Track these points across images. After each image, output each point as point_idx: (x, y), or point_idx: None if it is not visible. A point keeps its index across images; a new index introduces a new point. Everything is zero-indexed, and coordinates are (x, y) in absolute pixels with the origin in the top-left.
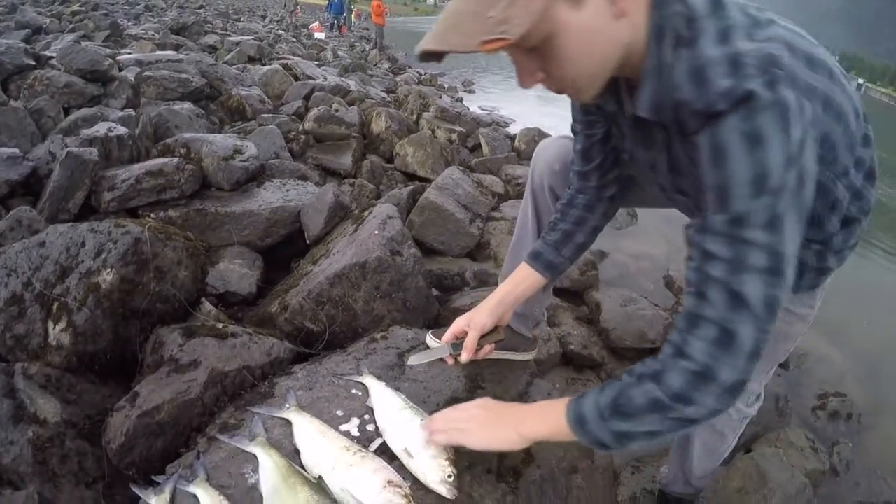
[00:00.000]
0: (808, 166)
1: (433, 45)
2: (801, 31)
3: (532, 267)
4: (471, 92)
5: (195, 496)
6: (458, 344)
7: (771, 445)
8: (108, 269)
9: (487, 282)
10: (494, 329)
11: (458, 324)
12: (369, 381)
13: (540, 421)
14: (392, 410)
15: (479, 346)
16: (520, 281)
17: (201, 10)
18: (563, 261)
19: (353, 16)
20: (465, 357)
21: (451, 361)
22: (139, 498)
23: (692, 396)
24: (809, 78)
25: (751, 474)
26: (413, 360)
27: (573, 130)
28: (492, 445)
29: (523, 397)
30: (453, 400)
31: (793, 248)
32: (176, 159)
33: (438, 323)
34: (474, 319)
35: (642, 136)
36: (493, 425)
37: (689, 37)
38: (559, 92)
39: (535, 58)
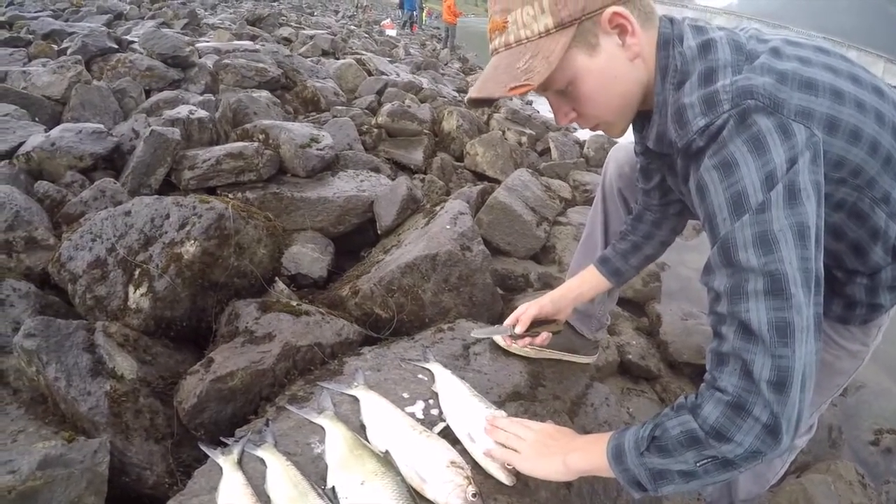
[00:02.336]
0: (802, 183)
1: (475, 93)
2: (825, 58)
3: (599, 271)
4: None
5: (262, 460)
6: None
7: (820, 475)
8: (192, 241)
9: (551, 284)
10: (554, 320)
11: (521, 309)
12: (436, 367)
13: (586, 454)
14: (457, 397)
15: (536, 332)
16: (585, 281)
17: (276, 3)
18: (630, 269)
19: (424, 14)
20: (520, 328)
21: (508, 343)
22: (205, 457)
23: (728, 431)
24: (806, 102)
25: (797, 500)
26: (476, 332)
27: (635, 151)
28: (538, 474)
29: (582, 399)
30: (515, 394)
31: (797, 267)
32: (255, 144)
33: (502, 320)
34: (535, 301)
35: (667, 162)
36: (545, 456)
37: (679, 79)
38: (592, 129)
39: (566, 100)
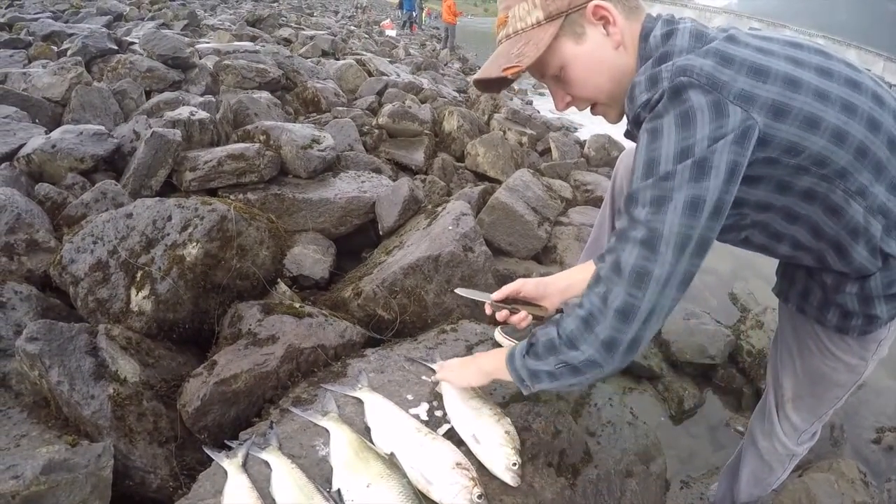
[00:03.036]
0: (715, 161)
1: (477, 75)
2: (792, 51)
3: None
4: (541, 94)
5: (267, 463)
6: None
7: (823, 473)
8: (194, 243)
9: None
10: (540, 306)
11: (511, 285)
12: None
13: (492, 359)
14: (461, 398)
15: (517, 309)
16: (580, 272)
17: (276, 4)
18: None
19: (423, 14)
20: (497, 294)
21: (489, 311)
22: (209, 460)
23: (576, 341)
24: (750, 87)
25: (800, 498)
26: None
27: None
28: (464, 382)
29: (585, 399)
30: (519, 394)
31: (676, 231)
32: (256, 145)
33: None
34: (523, 279)
35: None
36: (465, 368)
37: (642, 65)
38: (593, 112)
39: (562, 85)
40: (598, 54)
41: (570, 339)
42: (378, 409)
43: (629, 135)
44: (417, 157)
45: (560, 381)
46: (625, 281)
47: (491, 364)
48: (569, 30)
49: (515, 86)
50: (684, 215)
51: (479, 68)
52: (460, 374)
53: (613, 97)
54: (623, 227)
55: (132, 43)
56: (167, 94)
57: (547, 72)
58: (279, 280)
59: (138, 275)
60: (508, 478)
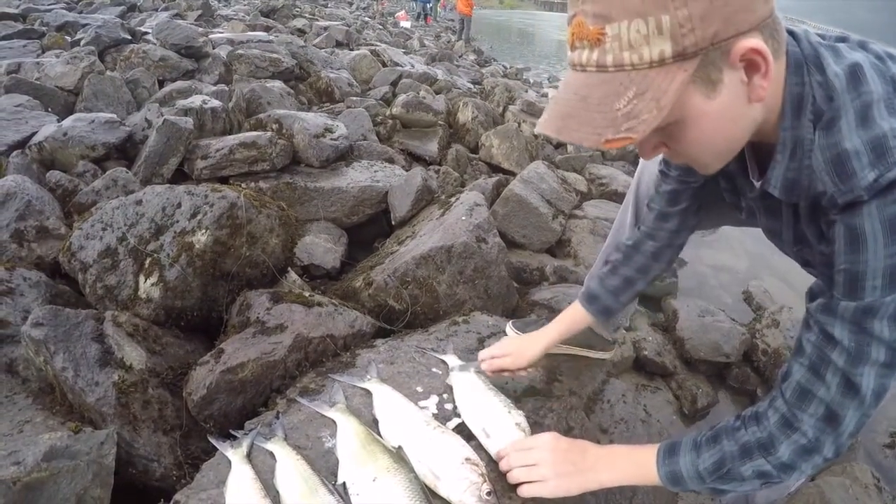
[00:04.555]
0: None
1: (552, 131)
2: None
3: (587, 310)
4: (556, 87)
5: (272, 453)
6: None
7: (837, 477)
8: (203, 231)
9: (567, 278)
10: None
11: (502, 358)
12: (452, 359)
13: (624, 473)
14: (472, 391)
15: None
16: (573, 323)
17: None
18: (619, 306)
19: (438, 5)
20: (487, 369)
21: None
22: (214, 449)
23: (797, 465)
24: None
25: (814, 502)
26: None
27: (663, 172)
28: (570, 494)
29: (598, 395)
30: (530, 389)
31: None
32: (269, 133)
33: (517, 314)
34: (516, 362)
35: (766, 204)
36: (571, 477)
37: (828, 116)
38: (681, 163)
39: (660, 134)
40: (731, 113)
41: (787, 466)
42: (387, 401)
43: (763, 201)
44: (431, 147)
45: (754, 489)
46: (865, 405)
47: (617, 479)
48: (702, 75)
49: (531, 78)
50: None
51: (493, 63)
52: (563, 488)
53: (723, 157)
54: (853, 343)
55: (145, 33)
56: (180, 83)
57: None
58: (289, 269)
59: (147, 262)
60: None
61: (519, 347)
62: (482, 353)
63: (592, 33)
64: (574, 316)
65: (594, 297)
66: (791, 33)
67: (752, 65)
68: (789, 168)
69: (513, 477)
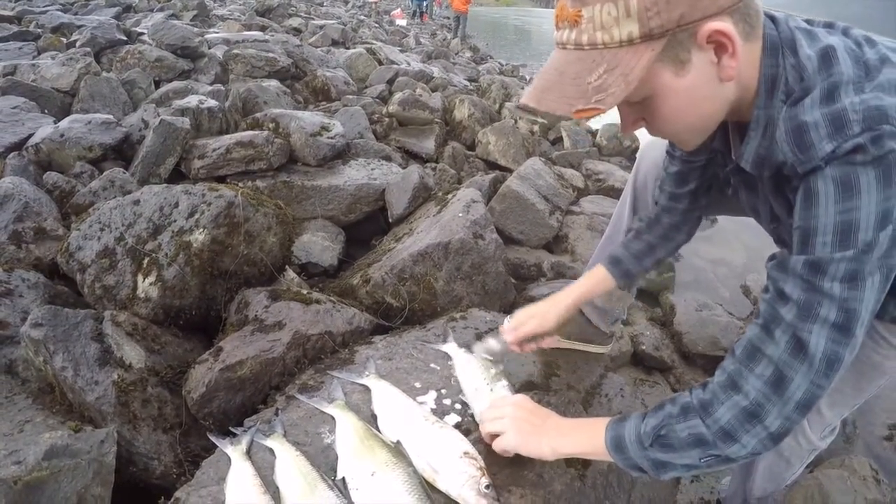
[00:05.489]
0: None
1: (532, 101)
2: None
3: (609, 272)
4: None
5: (272, 450)
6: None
7: (835, 469)
8: (201, 230)
9: (564, 274)
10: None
11: (526, 322)
12: (452, 348)
13: (575, 440)
14: (475, 378)
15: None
16: (594, 284)
17: None
18: (641, 271)
19: (434, 3)
20: (511, 340)
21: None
22: (214, 447)
23: (737, 435)
24: None
25: (813, 495)
26: (477, 348)
27: (669, 153)
28: (522, 451)
29: (596, 389)
30: (528, 383)
31: (870, 310)
32: (265, 132)
33: (514, 310)
34: (542, 323)
35: (745, 179)
36: (529, 435)
37: (797, 95)
38: (663, 138)
39: (638, 109)
40: (702, 91)
41: (726, 432)
42: (385, 396)
43: (740, 175)
44: (428, 145)
45: (700, 470)
46: (813, 370)
47: (572, 447)
48: (670, 54)
49: (527, 75)
50: (879, 290)
51: (490, 60)
52: (518, 443)
53: (700, 133)
54: (802, 298)
55: (141, 34)
56: (176, 84)
57: (626, 99)
58: (287, 267)
59: (145, 261)
60: None
61: (542, 310)
62: (505, 327)
63: (572, 15)
64: (597, 277)
65: (618, 260)
66: (772, 18)
67: (720, 46)
68: (761, 145)
69: (483, 430)
